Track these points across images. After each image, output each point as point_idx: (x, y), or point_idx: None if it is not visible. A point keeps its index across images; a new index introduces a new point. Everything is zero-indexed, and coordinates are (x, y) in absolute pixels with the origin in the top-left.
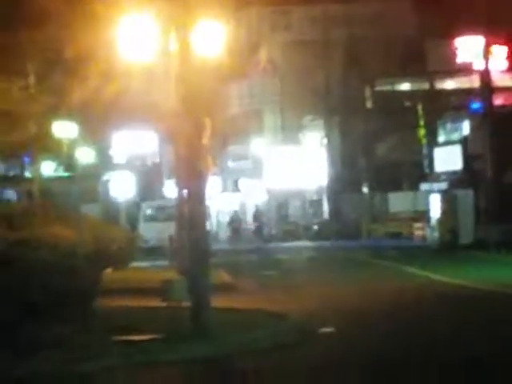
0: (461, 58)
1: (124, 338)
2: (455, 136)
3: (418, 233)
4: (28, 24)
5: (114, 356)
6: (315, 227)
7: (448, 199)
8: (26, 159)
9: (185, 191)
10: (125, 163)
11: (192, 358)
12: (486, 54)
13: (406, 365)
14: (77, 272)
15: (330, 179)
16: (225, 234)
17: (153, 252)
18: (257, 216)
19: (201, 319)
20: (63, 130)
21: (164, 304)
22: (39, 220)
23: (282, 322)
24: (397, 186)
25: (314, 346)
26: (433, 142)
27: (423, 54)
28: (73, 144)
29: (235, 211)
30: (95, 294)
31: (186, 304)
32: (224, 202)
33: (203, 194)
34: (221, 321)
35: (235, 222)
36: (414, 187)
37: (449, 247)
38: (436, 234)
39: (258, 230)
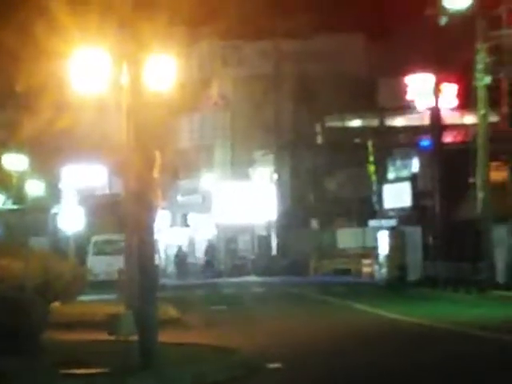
0: (411, 95)
1: (71, 371)
2: (404, 173)
3: (366, 269)
4: None
5: None
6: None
7: (396, 236)
8: None
9: (134, 225)
10: (74, 196)
11: None
12: (436, 91)
13: None
14: (25, 305)
15: (280, 214)
16: (172, 268)
17: (101, 285)
18: (208, 251)
19: (148, 353)
20: (13, 162)
21: (111, 338)
22: None
23: (230, 356)
24: (346, 222)
25: (261, 381)
26: (382, 179)
27: (374, 91)
28: (22, 176)
29: (180, 246)
30: (43, 327)
31: (134, 338)
32: (172, 237)
33: (152, 228)
34: (168, 355)
35: (180, 257)
36: (363, 223)
37: (397, 284)
38: (384, 271)
39: (208, 264)
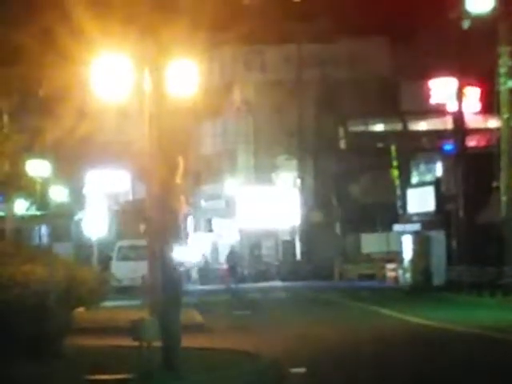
0: (434, 99)
1: (95, 377)
2: (428, 177)
3: (390, 274)
4: (2, 63)
5: None
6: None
7: (420, 240)
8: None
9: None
10: (98, 202)
11: None
12: (459, 95)
13: None
14: (48, 311)
15: (303, 219)
16: (196, 273)
17: (125, 291)
18: (229, 256)
19: (172, 359)
20: (36, 168)
21: (135, 343)
22: (11, 259)
23: (255, 361)
24: (370, 227)
25: None
26: (406, 183)
27: (397, 95)
28: (46, 183)
29: (203, 255)
30: (66, 333)
31: (158, 344)
32: (197, 242)
33: (176, 233)
34: (192, 360)
35: (204, 262)
36: (387, 228)
37: (421, 289)
38: (408, 276)
39: (232, 269)
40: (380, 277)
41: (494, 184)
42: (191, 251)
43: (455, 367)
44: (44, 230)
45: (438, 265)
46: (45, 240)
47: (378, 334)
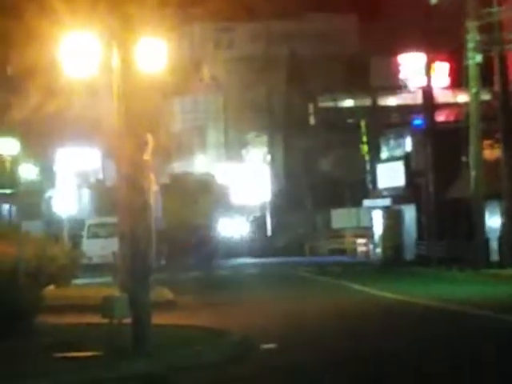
0: (403, 74)
1: (65, 354)
2: (398, 152)
3: (361, 249)
4: None
5: (55, 373)
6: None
7: (390, 215)
8: None
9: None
10: (68, 179)
11: (133, 374)
12: (428, 70)
13: (347, 379)
14: (18, 289)
15: (273, 195)
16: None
17: (96, 268)
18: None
19: (142, 336)
20: (5, 146)
21: (105, 321)
22: None
23: (224, 338)
24: (340, 203)
25: (256, 362)
26: (376, 159)
27: (366, 71)
28: (15, 160)
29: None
30: (37, 311)
31: (128, 321)
32: None
33: (144, 211)
34: (162, 337)
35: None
36: (357, 203)
37: (391, 263)
38: (379, 250)
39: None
40: (351, 252)
41: (464, 159)
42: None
43: (422, 340)
44: (13, 208)
45: (408, 240)
46: (14, 218)
47: (349, 309)
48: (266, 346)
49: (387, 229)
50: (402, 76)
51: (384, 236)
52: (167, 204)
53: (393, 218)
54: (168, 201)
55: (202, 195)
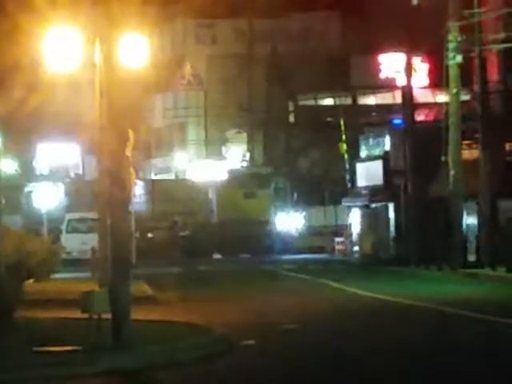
0: (384, 73)
1: (44, 349)
2: (377, 151)
3: (339, 247)
4: None
5: (33, 367)
6: None
7: (369, 214)
8: None
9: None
10: (48, 174)
11: (112, 369)
12: (408, 70)
13: (326, 377)
14: None
15: None
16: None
17: (75, 263)
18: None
19: (121, 331)
20: None
21: (85, 315)
22: None
23: (204, 334)
24: (319, 201)
25: (235, 358)
26: (355, 157)
27: (346, 70)
28: None
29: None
30: (16, 305)
31: (107, 316)
32: None
33: (126, 206)
34: (142, 333)
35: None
36: (336, 202)
37: (369, 262)
38: (357, 249)
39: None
40: (329, 250)
41: (443, 158)
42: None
43: (398, 337)
44: None
45: (386, 238)
46: None
47: (327, 308)
48: (245, 343)
49: (365, 227)
50: (381, 75)
51: (362, 235)
52: (223, 199)
53: (371, 217)
54: (224, 196)
55: (260, 190)
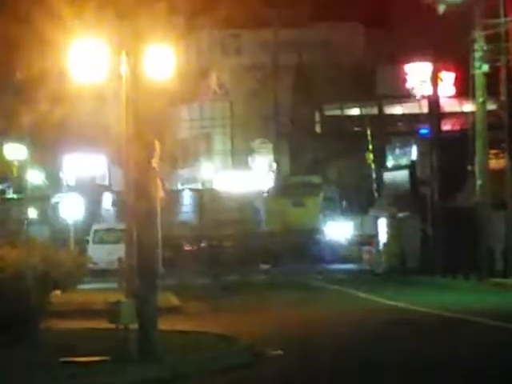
0: (410, 83)
1: (71, 359)
2: (403, 161)
3: (365, 257)
4: None
5: (61, 378)
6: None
7: (395, 224)
8: None
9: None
10: (75, 185)
11: (139, 380)
12: (435, 80)
13: None
14: (24, 293)
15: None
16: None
17: (102, 274)
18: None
19: (148, 341)
20: (13, 152)
21: (111, 326)
22: None
23: (232, 344)
24: (346, 210)
25: (263, 369)
26: (381, 167)
27: (372, 80)
28: (23, 166)
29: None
30: (43, 316)
31: (134, 326)
32: None
33: (153, 217)
34: (169, 343)
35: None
36: (363, 211)
37: (396, 272)
38: (383, 259)
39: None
40: (356, 259)
41: (469, 168)
42: None
43: (430, 348)
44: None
45: (413, 248)
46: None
47: (355, 318)
48: (273, 353)
49: (392, 237)
50: (408, 85)
51: (388, 244)
52: (272, 208)
53: (397, 227)
54: (273, 204)
55: (309, 198)
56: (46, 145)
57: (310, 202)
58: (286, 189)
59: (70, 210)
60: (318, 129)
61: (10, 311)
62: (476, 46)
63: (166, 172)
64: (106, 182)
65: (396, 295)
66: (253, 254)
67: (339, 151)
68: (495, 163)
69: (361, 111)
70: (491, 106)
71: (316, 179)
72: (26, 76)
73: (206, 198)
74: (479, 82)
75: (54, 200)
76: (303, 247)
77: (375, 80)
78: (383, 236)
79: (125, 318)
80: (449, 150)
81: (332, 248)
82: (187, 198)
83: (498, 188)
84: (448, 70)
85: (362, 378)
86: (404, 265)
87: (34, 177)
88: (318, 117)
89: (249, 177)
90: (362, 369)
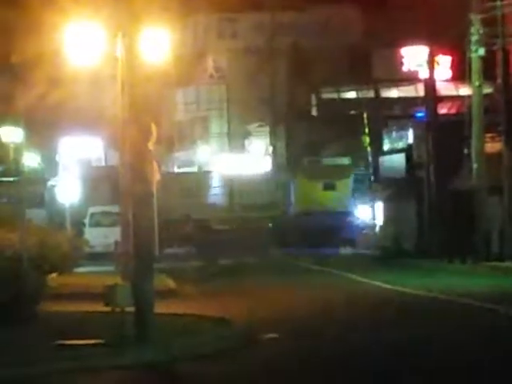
0: (406, 67)
1: (67, 342)
2: (400, 144)
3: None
4: None
5: (57, 360)
6: None
7: (391, 207)
8: None
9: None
10: (71, 168)
11: (135, 363)
12: (431, 63)
13: (348, 369)
14: (21, 276)
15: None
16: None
17: (98, 257)
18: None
19: (144, 324)
20: (9, 134)
21: (108, 309)
22: None
23: (226, 327)
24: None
25: (258, 352)
26: (378, 150)
27: (369, 63)
28: (19, 149)
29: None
30: (39, 298)
31: (130, 309)
32: None
33: (148, 200)
34: (164, 326)
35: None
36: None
37: (392, 255)
38: (379, 241)
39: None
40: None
41: (466, 151)
42: None
43: (425, 329)
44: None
45: (409, 231)
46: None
47: (348, 301)
48: (268, 336)
49: (388, 220)
50: (404, 68)
51: (384, 227)
52: (302, 190)
53: (394, 210)
54: (303, 187)
55: (340, 180)
56: (43, 128)
57: (340, 185)
58: (316, 171)
59: (67, 192)
60: (314, 112)
61: (7, 293)
62: (472, 30)
63: (162, 155)
64: (103, 165)
65: (392, 278)
66: (284, 237)
67: (335, 134)
68: (491, 147)
69: (357, 94)
70: (487, 90)
71: (346, 161)
72: (22, 59)
73: (235, 182)
74: (475, 65)
75: (50, 183)
76: (334, 230)
77: (372, 63)
78: (379, 219)
79: (121, 300)
80: (445, 133)
81: (361, 230)
82: (216, 182)
83: (494, 171)
84: (444, 53)
85: (358, 364)
86: (400, 248)
87: (31, 160)
88: (314, 100)
89: (245, 160)
90: (358, 352)
